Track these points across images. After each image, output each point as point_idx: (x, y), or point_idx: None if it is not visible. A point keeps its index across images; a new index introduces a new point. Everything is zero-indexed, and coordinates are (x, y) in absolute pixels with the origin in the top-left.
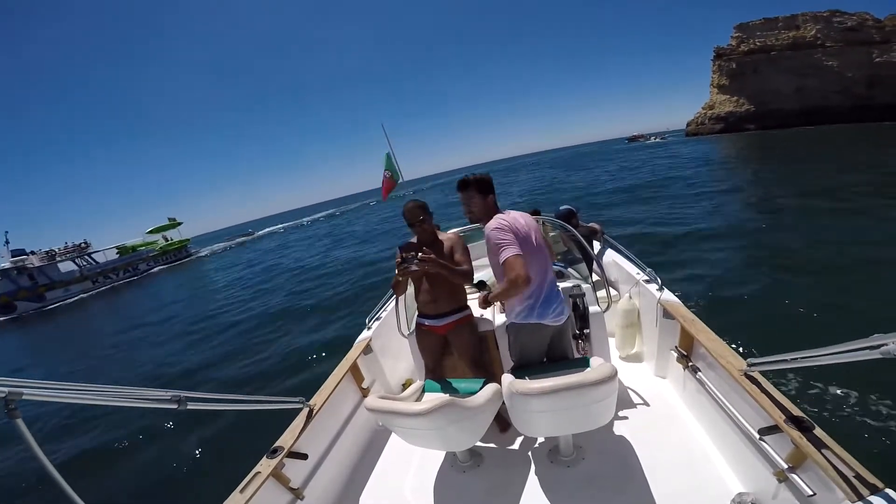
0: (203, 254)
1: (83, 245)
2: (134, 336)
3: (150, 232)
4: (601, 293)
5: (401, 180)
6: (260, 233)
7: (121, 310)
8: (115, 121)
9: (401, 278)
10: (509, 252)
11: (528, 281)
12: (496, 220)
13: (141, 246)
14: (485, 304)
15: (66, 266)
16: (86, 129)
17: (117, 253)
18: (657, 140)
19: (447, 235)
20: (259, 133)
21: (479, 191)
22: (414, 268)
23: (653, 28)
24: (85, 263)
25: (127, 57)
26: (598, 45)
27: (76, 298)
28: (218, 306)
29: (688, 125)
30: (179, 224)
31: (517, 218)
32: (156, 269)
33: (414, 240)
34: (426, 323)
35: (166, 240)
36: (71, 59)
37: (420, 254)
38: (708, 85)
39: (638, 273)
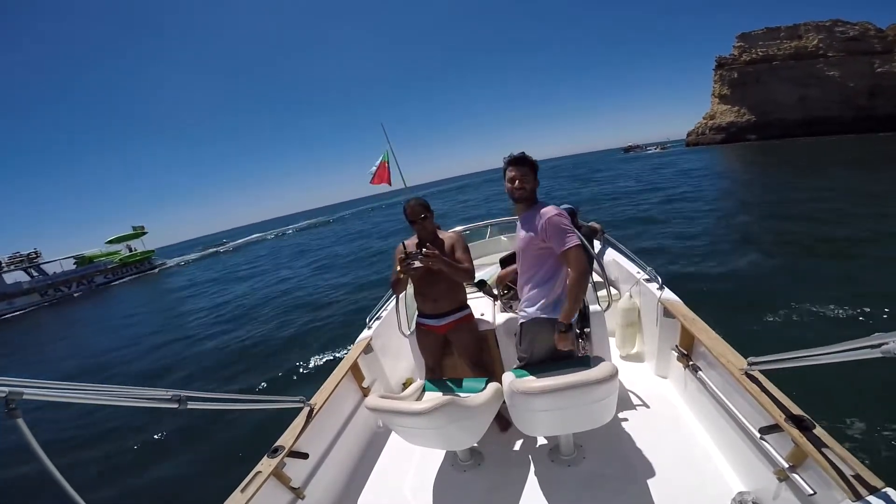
0: (169, 266)
1: (32, 255)
2: (78, 354)
3: (111, 241)
4: (602, 292)
5: (404, 185)
6: (235, 243)
7: (67, 326)
8: (80, 120)
9: (402, 275)
10: (576, 240)
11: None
12: (555, 208)
13: (99, 257)
14: (569, 317)
15: (14, 277)
16: (47, 127)
17: (75, 263)
18: (658, 150)
19: (448, 234)
20: (245, 134)
21: (533, 170)
22: (417, 264)
23: (653, 38)
24: (36, 274)
25: (100, 50)
26: (596, 54)
27: (21, 312)
28: (179, 324)
29: (688, 135)
30: (144, 233)
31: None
32: (117, 282)
33: (414, 238)
34: (426, 323)
35: (130, 250)
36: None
37: (424, 249)
38: (709, 95)
39: (638, 272)
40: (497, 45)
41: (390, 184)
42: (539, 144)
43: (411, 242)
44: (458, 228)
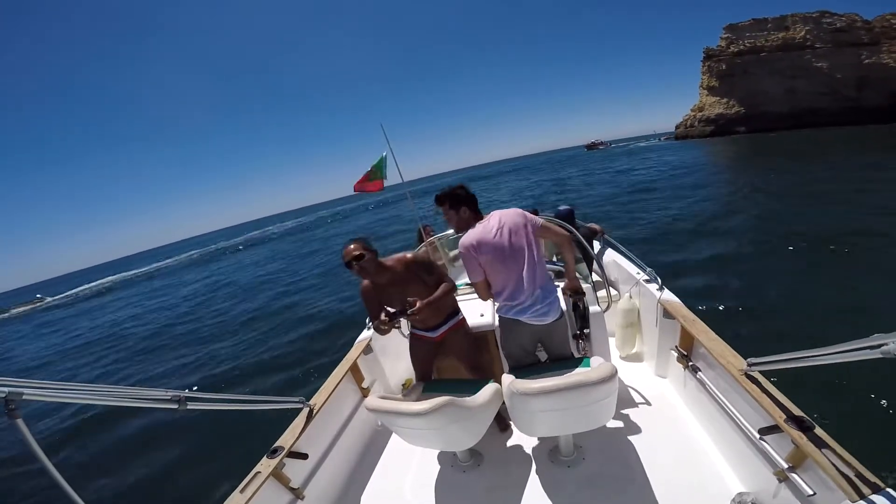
0: None
1: None
2: None
3: None
4: (601, 293)
5: (387, 180)
6: (53, 299)
7: None
8: None
9: (385, 328)
10: (471, 278)
11: (488, 298)
12: (460, 244)
13: None
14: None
15: None
16: None
17: None
18: (662, 140)
19: (398, 259)
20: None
21: (451, 206)
22: (404, 321)
23: (638, 31)
24: None
25: None
26: (584, 47)
27: None
28: None
29: (676, 128)
30: None
31: (484, 227)
32: None
33: (366, 282)
34: (421, 333)
35: None
36: None
37: (409, 308)
38: (686, 92)
39: (638, 273)
40: (469, 40)
41: (356, 191)
42: (505, 143)
43: (368, 285)
44: (450, 231)
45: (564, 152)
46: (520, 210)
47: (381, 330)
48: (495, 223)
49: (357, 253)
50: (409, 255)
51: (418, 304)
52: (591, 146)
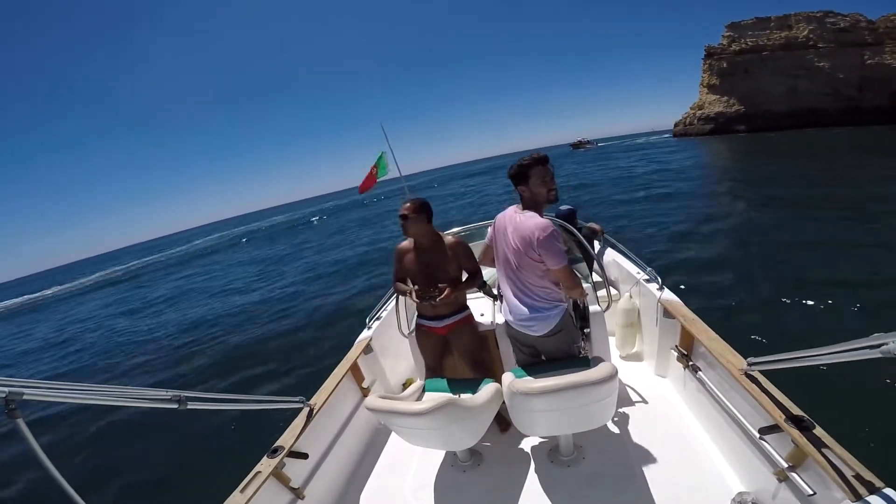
0: None
1: None
2: None
3: None
4: (601, 292)
5: (385, 175)
6: None
7: None
8: None
9: (408, 297)
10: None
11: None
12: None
13: None
14: None
15: None
16: None
17: None
18: (648, 139)
19: (449, 239)
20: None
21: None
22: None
23: (637, 27)
24: None
25: None
26: (576, 43)
27: None
28: None
29: (675, 125)
30: None
31: (508, 220)
32: None
33: (408, 242)
34: (426, 324)
35: None
36: None
37: (440, 294)
38: (693, 86)
39: (638, 272)
40: (464, 37)
41: (360, 192)
42: (498, 140)
43: (407, 245)
44: (457, 229)
45: (549, 151)
46: (543, 227)
47: (402, 291)
48: (503, 215)
49: (422, 204)
50: (459, 236)
51: (447, 291)
52: (577, 145)
